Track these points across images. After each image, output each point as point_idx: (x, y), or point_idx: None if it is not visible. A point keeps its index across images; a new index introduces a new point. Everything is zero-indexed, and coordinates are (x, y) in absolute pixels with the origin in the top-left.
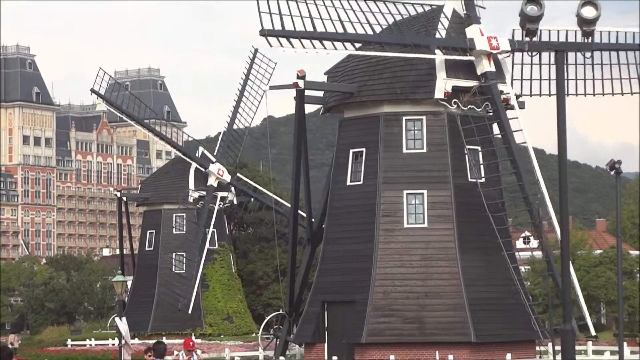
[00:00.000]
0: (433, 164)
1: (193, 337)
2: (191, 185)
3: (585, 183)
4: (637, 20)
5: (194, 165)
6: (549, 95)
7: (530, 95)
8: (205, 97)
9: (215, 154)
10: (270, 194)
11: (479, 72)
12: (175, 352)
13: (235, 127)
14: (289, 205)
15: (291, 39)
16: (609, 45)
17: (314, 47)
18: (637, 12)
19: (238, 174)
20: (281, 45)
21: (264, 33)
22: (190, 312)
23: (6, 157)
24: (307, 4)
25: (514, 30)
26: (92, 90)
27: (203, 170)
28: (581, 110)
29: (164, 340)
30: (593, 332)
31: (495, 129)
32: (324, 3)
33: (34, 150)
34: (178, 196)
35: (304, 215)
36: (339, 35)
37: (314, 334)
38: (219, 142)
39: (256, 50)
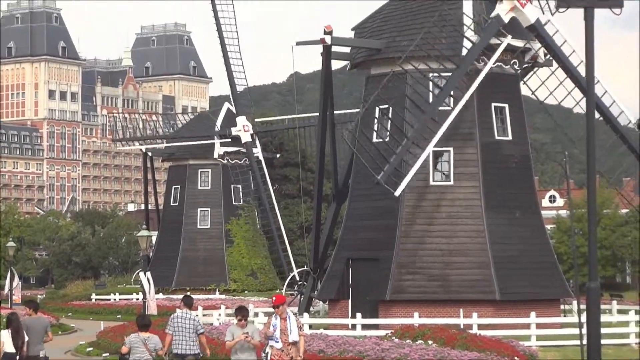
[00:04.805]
0: (460, 121)
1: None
2: (216, 137)
3: (614, 142)
4: None
5: (220, 119)
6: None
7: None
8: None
9: (238, 108)
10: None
11: (525, 25)
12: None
13: (261, 83)
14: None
15: None
16: None
17: None
18: None
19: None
20: None
21: None
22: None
23: (32, 111)
24: None
25: None
26: None
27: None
28: (612, 70)
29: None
30: None
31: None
32: None
33: (59, 104)
34: (203, 151)
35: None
36: None
37: (338, 290)
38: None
39: None
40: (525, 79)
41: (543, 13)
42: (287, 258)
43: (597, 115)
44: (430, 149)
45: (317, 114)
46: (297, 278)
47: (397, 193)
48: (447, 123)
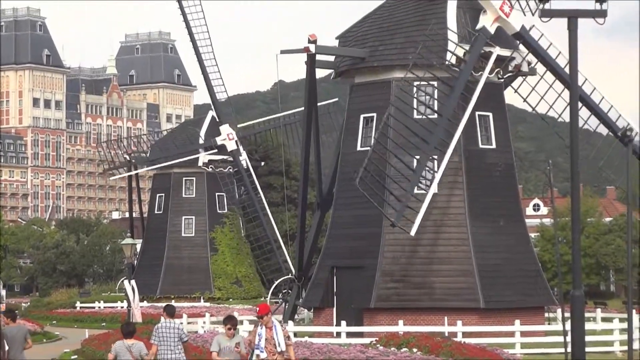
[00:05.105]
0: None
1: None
2: (201, 149)
3: (597, 151)
4: None
5: (204, 128)
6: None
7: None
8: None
9: (221, 117)
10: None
11: (510, 33)
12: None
13: (245, 91)
14: None
15: None
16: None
17: None
18: None
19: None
20: None
21: None
22: None
23: (16, 119)
24: None
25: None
26: None
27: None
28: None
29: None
30: None
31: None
32: None
33: (44, 112)
34: (188, 159)
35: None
36: None
37: (322, 298)
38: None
39: None
40: (516, 88)
41: (525, 15)
42: (286, 263)
43: (587, 114)
44: (435, 184)
45: (300, 109)
46: (293, 283)
47: (413, 233)
48: (444, 163)
